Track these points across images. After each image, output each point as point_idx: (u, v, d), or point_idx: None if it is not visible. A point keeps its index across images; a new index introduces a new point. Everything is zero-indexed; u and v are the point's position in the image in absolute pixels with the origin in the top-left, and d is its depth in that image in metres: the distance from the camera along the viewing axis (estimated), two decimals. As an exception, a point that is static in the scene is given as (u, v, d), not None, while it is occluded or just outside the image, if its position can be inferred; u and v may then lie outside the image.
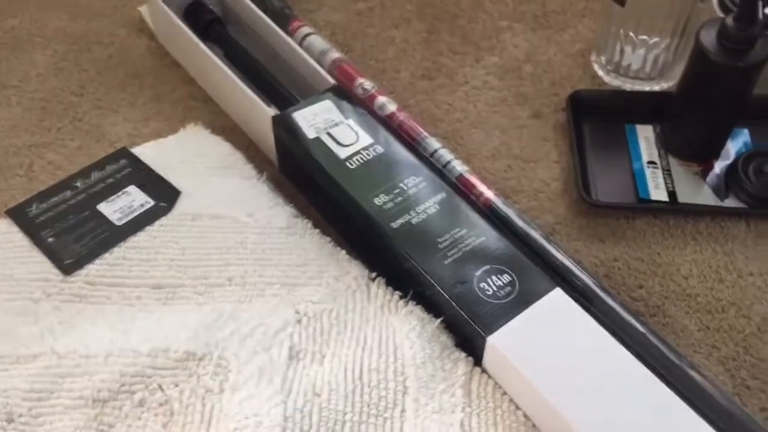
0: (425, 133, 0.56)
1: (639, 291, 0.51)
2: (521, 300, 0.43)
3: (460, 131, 0.59)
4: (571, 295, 0.48)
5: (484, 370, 0.44)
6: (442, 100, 0.61)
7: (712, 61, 0.50)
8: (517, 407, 0.42)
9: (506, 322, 0.42)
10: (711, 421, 0.43)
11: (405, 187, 0.48)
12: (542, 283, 0.44)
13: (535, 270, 0.45)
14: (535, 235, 0.50)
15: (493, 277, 0.44)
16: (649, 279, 0.51)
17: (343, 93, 0.54)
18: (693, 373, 0.44)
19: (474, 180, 0.53)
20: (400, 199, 0.48)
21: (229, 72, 0.55)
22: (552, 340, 0.42)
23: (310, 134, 0.51)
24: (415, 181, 0.49)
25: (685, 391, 0.44)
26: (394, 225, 0.47)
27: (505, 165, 0.57)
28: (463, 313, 0.43)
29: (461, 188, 0.53)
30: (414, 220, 0.47)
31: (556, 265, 0.49)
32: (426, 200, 0.48)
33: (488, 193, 0.52)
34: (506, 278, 0.44)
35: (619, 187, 0.56)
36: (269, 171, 0.56)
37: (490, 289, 0.44)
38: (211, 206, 0.50)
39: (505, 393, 0.43)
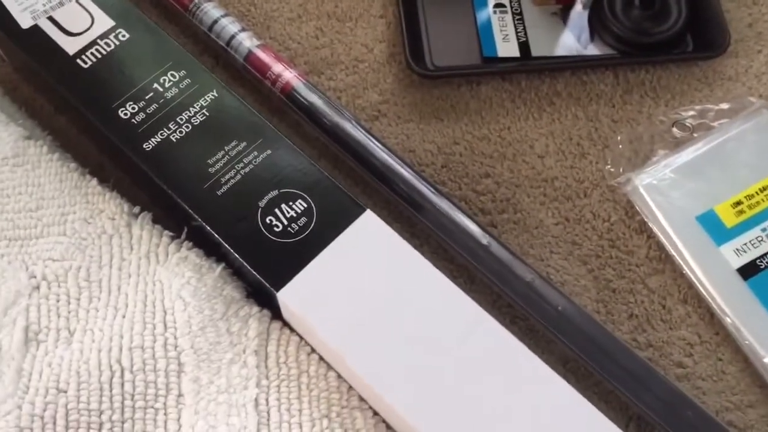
0: (201, -2, 0.42)
1: (485, 181, 0.41)
2: (321, 233, 0.33)
3: (254, -14, 0.45)
4: (394, 203, 0.38)
5: (286, 324, 0.34)
6: (231, -56, 0.46)
7: None
8: (329, 367, 0.33)
9: (300, 269, 0.32)
10: (569, 348, 0.35)
11: (160, 89, 0.35)
12: (348, 206, 0.33)
13: (339, 189, 0.34)
14: (348, 127, 0.39)
15: (284, 207, 0.33)
16: (496, 164, 0.41)
17: (73, -47, 0.39)
18: (543, 290, 0.36)
19: (268, 58, 0.41)
20: (154, 107, 0.35)
21: None
22: (361, 284, 0.32)
23: (25, 22, 0.37)
24: (175, 78, 0.36)
25: (531, 312, 0.36)
26: (148, 146, 0.34)
27: (315, 28, 0.44)
28: (244, 262, 0.32)
29: (253, 73, 0.41)
30: (174, 136, 0.34)
31: (374, 167, 0.38)
32: (191, 105, 0.35)
33: (287, 75, 0.40)
34: (301, 205, 0.33)
35: (460, 44, 0.44)
36: (0, 70, 0.42)
37: (279, 225, 0.33)
38: None
39: (312, 352, 0.33)
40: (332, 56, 0.43)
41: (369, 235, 0.33)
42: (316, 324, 0.31)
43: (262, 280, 0.32)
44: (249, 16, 0.44)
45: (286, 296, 0.31)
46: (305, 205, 0.33)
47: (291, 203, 0.33)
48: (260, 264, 0.32)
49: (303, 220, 0.33)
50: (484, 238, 0.37)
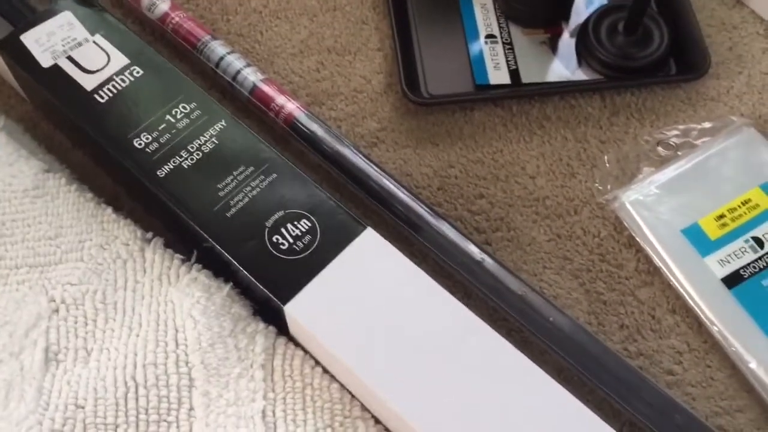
0: (208, 36, 0.45)
1: (479, 202, 0.43)
2: (324, 250, 0.35)
3: (258, 25, 0.48)
4: (393, 224, 0.40)
5: (291, 339, 0.36)
6: (235, -14, 0.49)
7: None
8: (332, 379, 0.35)
9: (306, 284, 0.34)
10: (562, 358, 0.37)
11: (173, 120, 0.38)
12: (350, 225, 0.35)
13: (340, 209, 0.36)
14: (347, 153, 0.41)
15: (289, 226, 0.35)
16: (490, 185, 0.43)
17: (89, -2, 0.42)
18: (535, 302, 0.37)
19: (272, 91, 0.43)
20: (167, 136, 0.37)
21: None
22: (364, 297, 0.34)
23: (45, 62, 0.39)
24: (186, 110, 0.38)
25: (525, 324, 0.37)
26: (161, 173, 0.36)
27: (316, 62, 0.47)
28: (253, 279, 0.34)
29: (258, 105, 0.43)
30: (186, 164, 0.37)
31: (374, 190, 0.41)
32: (201, 134, 0.37)
33: (290, 106, 0.42)
34: (305, 225, 0.35)
35: (453, 74, 0.46)
36: (21, 108, 0.45)
37: (285, 243, 0.35)
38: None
39: (316, 365, 0.35)
40: (332, 88, 0.46)
41: (370, 250, 0.35)
42: (321, 335, 0.33)
43: (270, 295, 0.34)
44: (254, 53, 0.47)
45: (292, 310, 0.33)
46: (309, 225, 0.35)
47: (296, 223, 0.35)
48: (268, 280, 0.34)
49: (307, 238, 0.35)
50: (478, 255, 0.39)
